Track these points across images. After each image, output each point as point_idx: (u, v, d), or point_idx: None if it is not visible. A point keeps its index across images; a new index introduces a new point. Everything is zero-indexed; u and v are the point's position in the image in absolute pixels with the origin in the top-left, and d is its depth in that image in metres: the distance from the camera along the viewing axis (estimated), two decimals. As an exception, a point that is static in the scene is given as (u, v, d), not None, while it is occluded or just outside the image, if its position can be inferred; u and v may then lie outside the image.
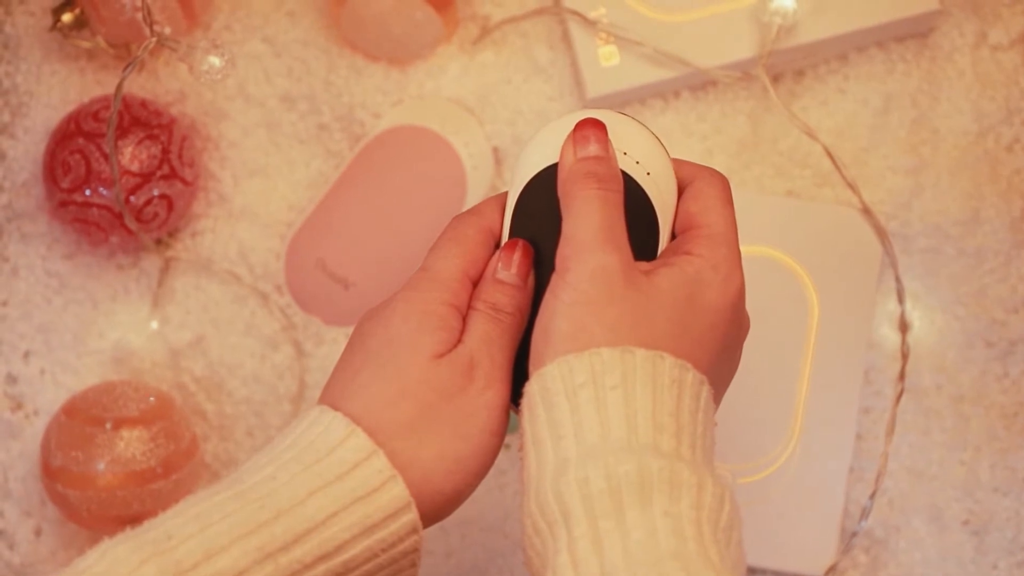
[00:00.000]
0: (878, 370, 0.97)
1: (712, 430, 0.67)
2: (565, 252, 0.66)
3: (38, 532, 0.98)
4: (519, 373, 0.70)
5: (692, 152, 0.99)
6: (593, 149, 0.69)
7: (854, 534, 0.95)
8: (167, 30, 0.92)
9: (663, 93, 1.00)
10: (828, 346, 0.96)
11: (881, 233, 0.98)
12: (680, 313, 0.66)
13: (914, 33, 1.00)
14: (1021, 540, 0.96)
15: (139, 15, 0.91)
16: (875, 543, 0.96)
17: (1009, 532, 0.96)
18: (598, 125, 0.69)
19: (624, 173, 0.69)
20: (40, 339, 0.99)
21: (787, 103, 1.00)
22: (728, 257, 0.68)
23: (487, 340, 0.69)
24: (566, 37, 1.00)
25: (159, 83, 1.01)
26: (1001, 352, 0.97)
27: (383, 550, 0.66)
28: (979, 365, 0.97)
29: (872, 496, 0.95)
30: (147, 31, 0.88)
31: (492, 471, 0.95)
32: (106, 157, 0.94)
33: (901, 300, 0.97)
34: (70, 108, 1.00)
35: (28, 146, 1.01)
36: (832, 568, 0.94)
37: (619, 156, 0.70)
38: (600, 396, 0.63)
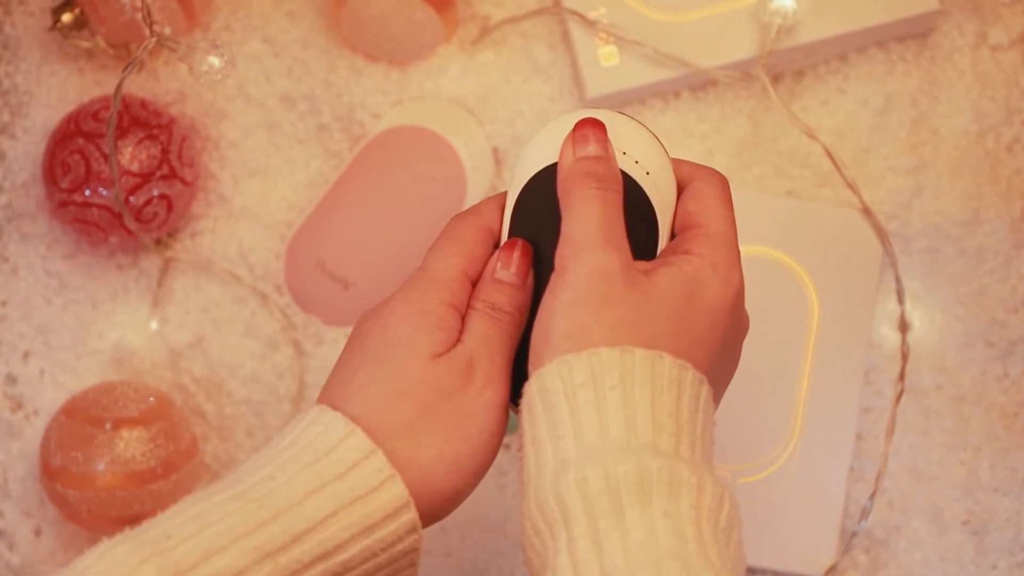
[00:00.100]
0: (878, 370, 0.97)
1: (712, 430, 0.67)
2: (564, 252, 0.66)
3: (38, 532, 0.98)
4: (518, 373, 0.70)
5: (692, 152, 0.99)
6: (592, 149, 0.69)
7: (854, 534, 0.95)
8: (167, 30, 0.92)
9: (663, 93, 1.00)
10: (828, 346, 0.96)
11: (881, 233, 0.97)
12: (679, 313, 0.66)
13: (914, 33, 1.00)
14: (1021, 540, 0.96)
15: (139, 15, 0.91)
16: (875, 543, 0.96)
17: (1009, 532, 0.96)
18: (597, 125, 0.69)
19: (623, 173, 0.69)
20: (40, 339, 0.99)
21: (787, 103, 1.00)
22: (727, 256, 0.68)
23: (486, 340, 0.69)
24: (566, 37, 1.00)
25: (159, 83, 1.01)
26: (1001, 352, 0.97)
27: (382, 550, 0.66)
28: (979, 365, 0.97)
29: (872, 496, 0.95)
30: (147, 31, 0.88)
31: (492, 471, 0.96)
32: (106, 157, 0.94)
33: (901, 300, 0.97)
34: (70, 108, 1.00)
35: (28, 146, 1.01)
36: (832, 568, 0.94)
37: (618, 156, 0.70)
38: (599, 396, 0.63)
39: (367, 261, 0.98)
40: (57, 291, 1.00)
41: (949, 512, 0.96)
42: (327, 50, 1.01)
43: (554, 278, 0.66)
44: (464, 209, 0.82)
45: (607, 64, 0.98)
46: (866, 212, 0.98)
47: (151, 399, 0.94)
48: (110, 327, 1.00)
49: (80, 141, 0.95)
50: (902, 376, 0.96)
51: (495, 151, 1.00)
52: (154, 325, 1.00)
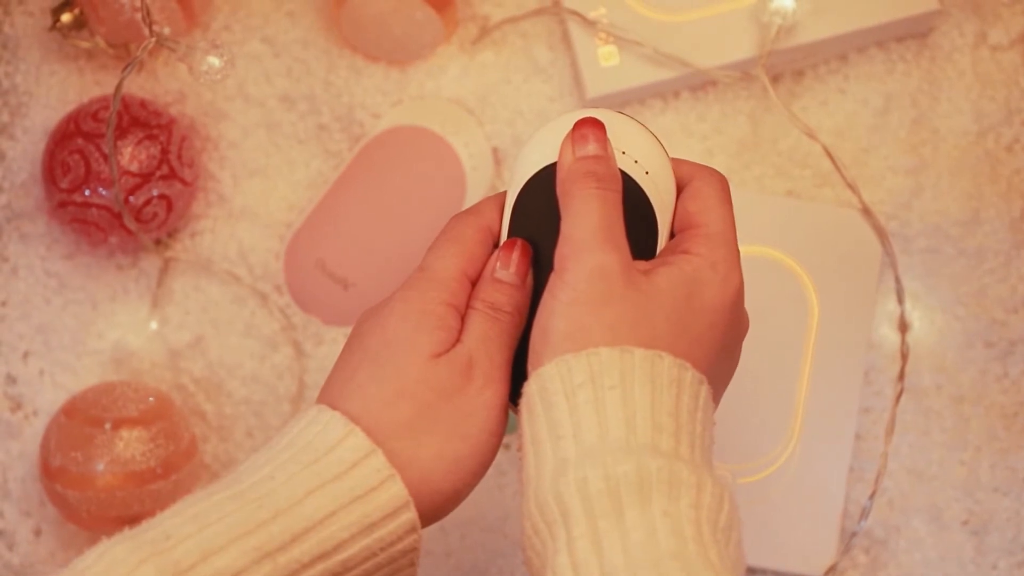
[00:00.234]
0: (878, 370, 0.97)
1: (711, 429, 0.67)
2: (563, 251, 0.66)
3: (37, 532, 0.98)
4: (518, 373, 0.70)
5: (692, 152, 0.99)
6: (592, 148, 0.69)
7: (854, 534, 0.95)
8: (166, 30, 0.92)
9: (663, 93, 1.00)
10: (828, 346, 0.96)
11: (881, 233, 0.97)
12: (679, 312, 0.66)
13: (914, 33, 1.00)
14: (1021, 540, 0.96)
15: (138, 15, 0.91)
16: (875, 543, 0.96)
17: (1009, 532, 0.96)
18: (597, 124, 0.69)
19: (623, 172, 0.69)
20: (39, 339, 0.99)
21: (787, 103, 1.00)
22: (727, 256, 0.68)
23: (485, 339, 0.69)
24: (566, 37, 1.00)
25: (158, 83, 1.01)
26: (1001, 352, 0.97)
27: (382, 549, 0.66)
28: (979, 365, 0.97)
29: (872, 496, 0.95)
30: (146, 31, 0.88)
31: (492, 471, 0.96)
32: (105, 157, 0.94)
33: (901, 300, 0.97)
34: (69, 108, 1.00)
35: (27, 146, 1.01)
36: (832, 568, 0.94)
37: (618, 155, 0.70)
38: (599, 396, 0.63)
39: (367, 261, 0.98)
40: (57, 291, 1.00)
41: (949, 512, 0.96)
42: (327, 50, 1.01)
43: (553, 278, 0.66)
44: (464, 209, 0.82)
45: (607, 64, 0.98)
46: (866, 212, 0.98)
47: (151, 399, 0.94)
48: (110, 327, 1.00)
49: (80, 141, 0.95)
50: (902, 376, 0.96)
51: (495, 151, 1.00)
52: (154, 325, 1.00)
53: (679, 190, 0.71)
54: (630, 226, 0.68)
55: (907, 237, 0.98)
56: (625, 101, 1.00)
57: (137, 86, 1.01)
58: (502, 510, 0.97)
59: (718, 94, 1.00)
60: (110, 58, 1.01)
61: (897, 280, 0.97)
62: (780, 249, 0.97)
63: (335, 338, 0.99)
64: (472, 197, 0.98)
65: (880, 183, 0.99)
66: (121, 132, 0.95)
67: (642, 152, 0.70)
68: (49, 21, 0.98)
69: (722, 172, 0.72)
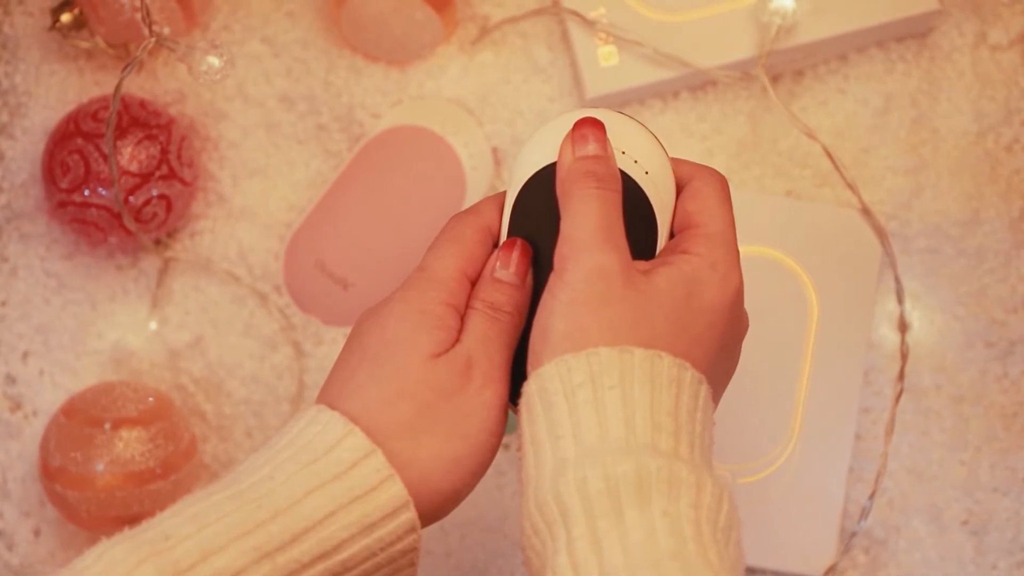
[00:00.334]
0: (878, 370, 0.97)
1: (711, 429, 0.66)
2: (563, 251, 0.66)
3: (37, 533, 0.98)
4: (518, 372, 0.69)
5: (692, 152, 0.99)
6: (591, 148, 0.69)
7: (853, 534, 0.95)
8: (166, 30, 0.92)
9: (662, 93, 1.00)
10: (828, 346, 0.96)
11: (881, 233, 0.97)
12: (678, 312, 0.66)
13: (914, 33, 1.00)
14: (1021, 540, 0.96)
15: (138, 15, 0.91)
16: (875, 543, 0.96)
17: (1009, 532, 0.96)
18: (596, 124, 0.69)
19: (622, 172, 0.69)
20: (39, 339, 0.99)
21: (787, 103, 1.00)
22: (726, 256, 0.68)
23: (485, 339, 0.69)
24: (565, 37, 1.00)
25: (158, 83, 1.01)
26: (1001, 352, 0.97)
27: (381, 549, 0.66)
28: (979, 365, 0.97)
29: (872, 496, 0.95)
30: (146, 31, 0.87)
31: (491, 471, 0.96)
32: (105, 157, 0.94)
33: (901, 300, 0.97)
34: (69, 108, 1.00)
35: (27, 146, 1.01)
36: (832, 568, 0.94)
37: (617, 155, 0.70)
38: (598, 396, 0.63)
39: (366, 261, 0.98)
40: (56, 291, 1.00)
41: (949, 512, 0.96)
42: (326, 50, 1.01)
43: (553, 278, 0.66)
44: (463, 209, 0.82)
45: (606, 64, 0.98)
46: (866, 212, 0.98)
47: (150, 399, 0.94)
48: (109, 327, 1.00)
49: (79, 141, 0.95)
50: (901, 376, 0.96)
51: (494, 151, 1.00)
52: (153, 325, 1.00)
53: (679, 190, 0.71)
54: (630, 226, 0.68)
55: (907, 237, 0.98)
56: (625, 101, 1.00)
57: (137, 86, 1.01)
58: (502, 510, 0.97)
59: (718, 94, 1.00)
60: (110, 58, 1.01)
61: (897, 280, 0.97)
62: (780, 249, 0.97)
63: (335, 338, 0.99)
64: (472, 197, 0.98)
65: (880, 183, 0.99)
66: (121, 132, 0.95)
67: (642, 152, 0.70)
68: (49, 21, 0.98)
69: (722, 172, 0.72)
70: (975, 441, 0.97)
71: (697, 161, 0.73)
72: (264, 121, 1.01)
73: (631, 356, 0.64)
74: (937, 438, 0.97)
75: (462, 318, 0.70)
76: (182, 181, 0.97)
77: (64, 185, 0.95)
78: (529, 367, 0.66)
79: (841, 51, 1.00)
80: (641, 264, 0.68)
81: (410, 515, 0.66)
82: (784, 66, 1.00)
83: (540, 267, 0.70)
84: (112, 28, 0.97)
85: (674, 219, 0.71)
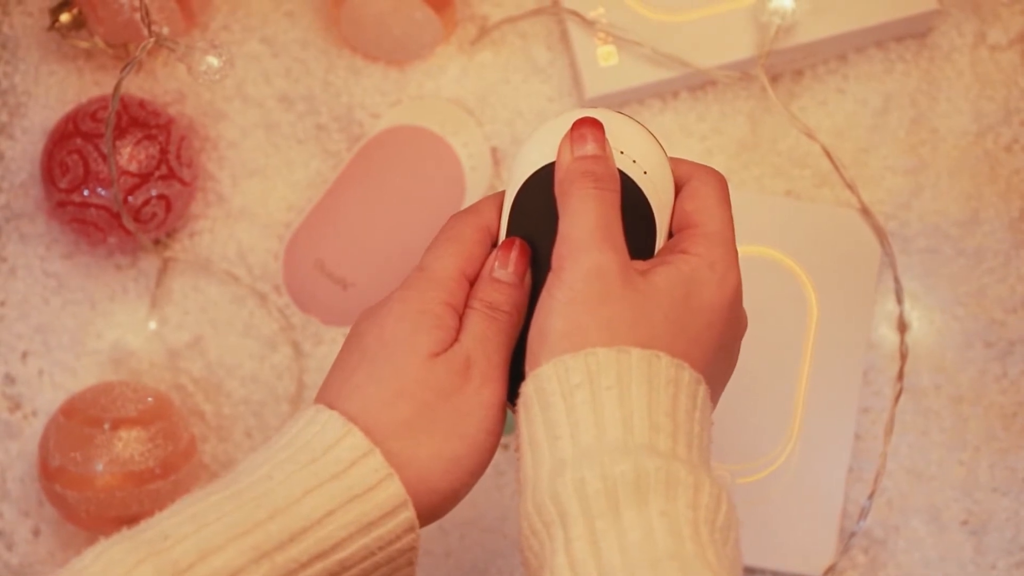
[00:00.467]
0: (877, 370, 0.97)
1: (709, 429, 0.66)
2: (561, 251, 0.66)
3: (36, 533, 0.98)
4: (516, 372, 0.69)
5: (691, 152, 0.99)
6: (590, 148, 0.69)
7: (853, 534, 0.95)
8: (165, 30, 0.92)
9: (662, 93, 1.00)
10: (827, 346, 0.96)
11: (880, 233, 0.97)
12: (677, 312, 0.66)
13: (913, 33, 1.00)
14: (1020, 540, 0.96)
15: (137, 15, 0.91)
16: (874, 543, 0.96)
17: (1008, 532, 0.96)
18: (595, 124, 0.69)
19: (621, 172, 0.69)
20: (38, 339, 0.99)
21: (786, 103, 1.00)
22: (725, 256, 0.68)
23: (483, 339, 0.69)
24: (565, 37, 1.00)
25: (157, 83, 1.01)
26: (1000, 352, 0.97)
27: (380, 548, 0.66)
28: (978, 365, 0.97)
29: (871, 496, 0.95)
30: (145, 31, 0.87)
31: (491, 471, 0.96)
32: (104, 157, 0.94)
33: (900, 300, 0.97)
34: (68, 108, 1.00)
35: (26, 146, 1.01)
36: (831, 568, 0.94)
37: (616, 155, 0.70)
38: (596, 396, 0.63)
39: (366, 261, 0.98)
40: (55, 291, 1.00)
41: (948, 512, 0.96)
42: (326, 50, 1.01)
43: (551, 277, 0.66)
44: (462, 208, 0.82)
45: (606, 64, 0.98)
46: (865, 212, 0.98)
47: (149, 399, 0.94)
48: (108, 327, 1.00)
49: (78, 141, 0.95)
50: (901, 376, 0.96)
51: (494, 151, 1.00)
52: (152, 325, 1.00)
53: (678, 189, 0.71)
54: (628, 226, 0.68)
55: (906, 237, 0.98)
56: (624, 101, 1.00)
57: (136, 86, 1.01)
58: (501, 510, 0.97)
59: (717, 94, 1.00)
60: (109, 58, 1.01)
61: (896, 280, 0.97)
62: (779, 249, 0.97)
63: (334, 338, 0.99)
64: (471, 197, 0.98)
65: (879, 183, 0.99)
66: (120, 132, 0.95)
67: (640, 152, 0.70)
68: (48, 21, 0.98)
69: (721, 172, 0.72)
70: (974, 441, 0.97)
71: (696, 161, 0.73)
72: (263, 121, 1.01)
73: (629, 356, 0.64)
74: (936, 438, 0.97)
75: (461, 318, 0.70)
76: (181, 181, 0.97)
77: (63, 185, 0.95)
78: (527, 367, 0.66)
79: (840, 51, 1.00)
80: (639, 264, 0.67)
81: (408, 514, 0.66)
82: (783, 66, 1.00)
83: (539, 267, 0.70)
84: (111, 28, 0.97)
85: (673, 218, 0.71)
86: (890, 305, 0.98)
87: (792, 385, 0.96)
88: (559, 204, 0.68)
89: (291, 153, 1.01)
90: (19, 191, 1.01)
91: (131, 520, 0.81)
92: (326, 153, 1.01)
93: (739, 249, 0.70)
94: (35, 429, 0.98)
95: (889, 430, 0.96)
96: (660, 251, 0.70)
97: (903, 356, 0.97)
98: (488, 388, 0.68)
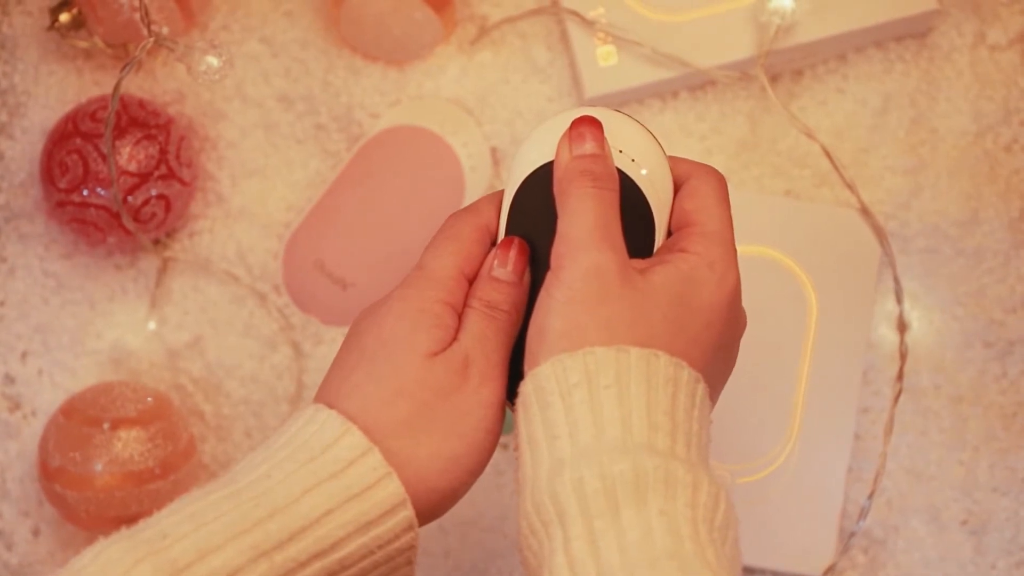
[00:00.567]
0: (877, 370, 0.97)
1: (708, 428, 0.66)
2: (560, 250, 0.66)
3: (36, 532, 0.98)
4: (515, 371, 0.69)
5: (691, 152, 0.99)
6: (589, 147, 0.69)
7: (852, 534, 0.95)
8: (165, 30, 0.92)
9: (661, 93, 1.00)
10: (826, 346, 0.96)
11: (880, 233, 0.97)
12: (675, 311, 0.66)
13: (912, 33, 1.00)
14: (1020, 540, 0.96)
15: (136, 15, 0.91)
16: (873, 543, 0.96)
17: (1008, 532, 0.96)
18: (594, 123, 0.69)
19: (620, 171, 0.69)
20: (38, 339, 0.99)
21: (786, 103, 1.00)
22: (723, 255, 0.68)
23: (482, 338, 0.69)
24: (564, 37, 1.00)
25: (157, 83, 1.01)
26: (999, 352, 0.97)
27: (379, 547, 0.66)
28: (977, 365, 0.97)
29: (871, 496, 0.95)
30: (145, 31, 0.87)
31: (490, 471, 0.96)
32: (103, 157, 0.94)
33: (899, 300, 0.97)
34: (67, 108, 1.00)
35: (25, 146, 1.01)
36: (831, 568, 0.94)
37: (615, 154, 0.69)
38: (594, 396, 0.63)
39: (365, 261, 0.98)
40: (55, 291, 1.00)
41: (948, 512, 0.96)
42: (325, 50, 1.01)
43: (550, 277, 0.66)
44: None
45: (605, 64, 0.98)
46: (865, 212, 0.98)
47: (149, 399, 0.94)
48: (108, 327, 1.00)
49: (78, 141, 0.95)
50: (900, 376, 0.96)
51: (493, 151, 1.00)
52: (152, 325, 1.00)
53: (677, 188, 0.71)
54: (627, 224, 0.68)
55: (906, 237, 0.98)
56: (624, 101, 1.00)
57: (135, 86, 1.01)
58: (501, 510, 0.97)
59: (717, 94, 1.00)
60: (108, 58, 1.01)
61: (896, 280, 0.97)
62: (779, 249, 0.97)
63: (334, 338, 0.99)
64: (471, 197, 0.98)
65: (879, 183, 0.99)
66: (119, 132, 0.95)
67: (639, 150, 0.70)
68: (47, 21, 0.98)
69: (721, 172, 0.72)
70: (974, 441, 0.97)
71: (696, 160, 0.73)
72: (263, 121, 1.01)
73: (627, 355, 0.64)
74: (936, 438, 0.97)
75: (460, 317, 0.70)
76: (181, 181, 0.97)
77: (63, 185, 0.95)
78: (526, 366, 0.66)
79: (840, 51, 1.00)
80: (638, 263, 0.67)
81: (407, 513, 0.66)
82: (783, 66, 1.00)
83: (538, 266, 0.70)
84: (111, 28, 0.97)
85: (672, 217, 0.71)
86: (890, 305, 0.98)
87: (792, 385, 0.95)
88: (558, 203, 0.68)
89: (290, 153, 1.01)
90: (18, 191, 1.01)
91: (131, 520, 0.81)
92: (325, 153, 1.01)
93: (739, 249, 0.70)
94: (35, 429, 0.98)
95: (889, 430, 0.95)
96: (659, 250, 0.70)
97: (903, 356, 0.97)
98: (487, 387, 0.68)
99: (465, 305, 0.70)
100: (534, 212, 0.70)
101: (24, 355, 1.00)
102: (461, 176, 0.98)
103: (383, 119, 1.00)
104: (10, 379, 0.99)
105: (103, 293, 1.00)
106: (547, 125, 0.71)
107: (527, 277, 0.71)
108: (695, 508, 0.61)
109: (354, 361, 0.69)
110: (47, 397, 0.99)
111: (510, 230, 0.71)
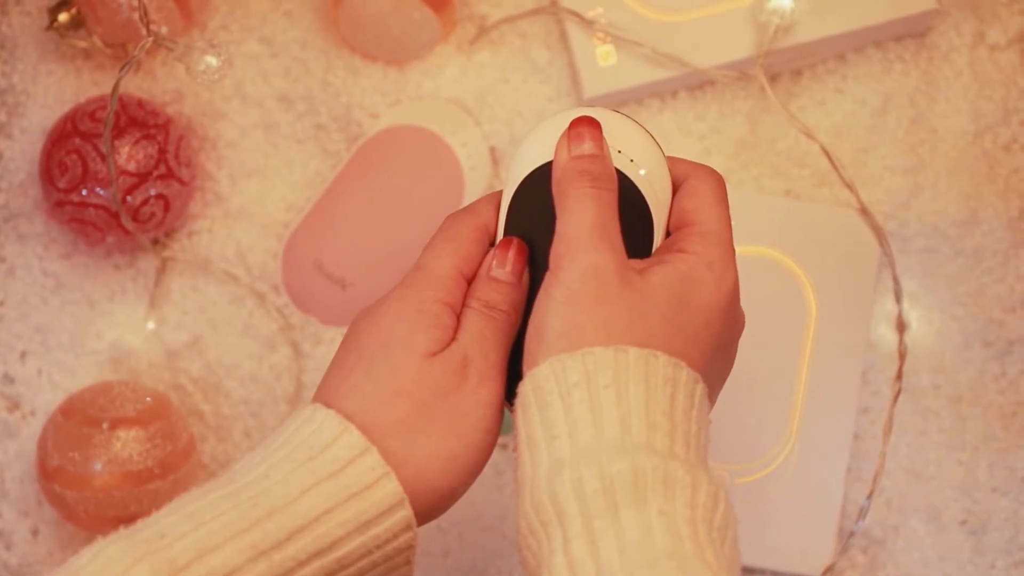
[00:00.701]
0: (876, 370, 0.97)
1: (706, 429, 0.66)
2: (558, 251, 0.66)
3: (35, 532, 0.98)
4: (514, 371, 0.69)
5: (690, 152, 0.99)
6: (588, 147, 0.69)
7: (852, 534, 0.95)
8: (164, 30, 0.92)
9: (660, 93, 1.00)
10: (826, 346, 0.96)
11: (879, 233, 0.97)
12: (674, 311, 0.66)
13: (912, 33, 1.00)
14: (1019, 540, 0.96)
15: (135, 15, 0.91)
16: (873, 543, 0.96)
17: (1007, 532, 0.96)
18: (593, 123, 0.69)
19: (619, 171, 0.69)
20: (37, 339, 0.99)
21: (785, 103, 1.00)
22: (722, 255, 0.68)
23: (481, 338, 0.69)
24: (563, 37, 1.00)
25: (156, 83, 1.01)
26: (999, 352, 0.97)
27: (377, 547, 0.66)
28: (977, 365, 0.97)
29: (870, 496, 0.95)
30: (144, 31, 0.87)
31: (490, 471, 0.96)
32: (103, 157, 0.94)
33: (899, 300, 0.97)
34: (66, 108, 1.00)
35: (24, 146, 1.01)
36: (830, 568, 0.94)
37: (614, 154, 0.69)
38: (593, 396, 0.63)
39: (365, 261, 0.98)
40: (54, 291, 1.00)
41: (947, 512, 0.96)
42: (325, 50, 1.01)
43: (548, 277, 0.66)
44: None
45: (604, 64, 0.98)
46: (864, 212, 0.98)
47: (148, 399, 0.94)
48: (107, 327, 1.00)
49: (77, 141, 0.95)
50: (900, 376, 0.96)
51: (492, 151, 1.00)
52: (151, 325, 1.00)
53: (675, 188, 0.71)
54: (626, 225, 0.68)
55: (905, 237, 0.98)
56: (623, 101, 1.00)
57: (135, 86, 1.01)
58: (500, 510, 0.97)
59: (716, 94, 1.00)
60: (107, 58, 1.01)
61: (895, 280, 0.97)
62: (778, 249, 0.97)
63: (333, 338, 0.99)
64: (470, 197, 0.98)
65: (878, 183, 0.99)
66: (118, 132, 0.95)
67: (638, 151, 0.70)
68: (46, 20, 0.98)
69: (720, 172, 0.72)
70: (973, 441, 0.97)
71: (695, 161, 0.73)
72: (262, 121, 1.01)
73: (626, 355, 0.64)
74: (935, 438, 0.97)
75: (458, 317, 0.70)
76: (180, 181, 0.97)
77: (62, 185, 0.95)
78: (524, 367, 0.66)
79: (839, 51, 1.00)
80: (637, 263, 0.67)
81: (406, 513, 0.66)
82: (782, 66, 1.00)
83: (536, 266, 0.70)
84: (110, 28, 0.97)
85: (670, 217, 0.71)
86: (889, 305, 0.98)
87: (791, 385, 0.95)
88: (556, 203, 0.68)
89: (290, 153, 1.01)
90: (17, 191, 1.01)
91: (130, 520, 0.80)
92: (325, 153, 1.01)
93: (738, 249, 0.70)
94: (34, 429, 0.98)
95: (888, 430, 0.95)
96: (657, 250, 0.70)
97: (902, 356, 0.97)
98: (485, 387, 0.68)
99: (464, 305, 0.70)
100: (533, 212, 0.70)
101: (23, 355, 1.00)
102: (460, 176, 0.98)
103: (382, 119, 1.00)
104: (9, 379, 0.99)
105: (102, 293, 1.00)
106: (546, 125, 0.71)
107: (526, 277, 0.71)
108: (694, 508, 0.61)
109: (352, 361, 0.69)
110: (46, 397, 0.99)
111: (509, 230, 0.71)
